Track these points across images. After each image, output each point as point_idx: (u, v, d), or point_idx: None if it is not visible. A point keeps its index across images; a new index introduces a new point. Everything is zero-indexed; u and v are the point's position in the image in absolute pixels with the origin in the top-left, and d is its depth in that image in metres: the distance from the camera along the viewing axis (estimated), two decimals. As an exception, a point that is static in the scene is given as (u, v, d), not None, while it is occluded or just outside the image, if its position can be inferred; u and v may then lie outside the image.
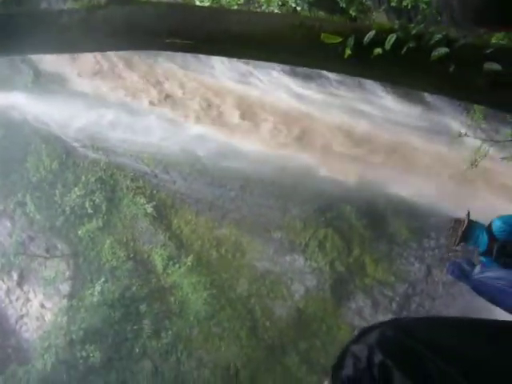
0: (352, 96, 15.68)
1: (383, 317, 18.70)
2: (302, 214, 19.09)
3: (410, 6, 9.90)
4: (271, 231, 19.58)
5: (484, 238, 5.33)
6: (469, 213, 5.47)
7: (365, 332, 1.83)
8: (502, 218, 5.33)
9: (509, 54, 4.52)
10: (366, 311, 19.04)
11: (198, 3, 12.44)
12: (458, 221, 5.47)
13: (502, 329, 1.86)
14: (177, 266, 20.40)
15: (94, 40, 5.39)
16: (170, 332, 20.38)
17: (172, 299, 20.65)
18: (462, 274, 5.33)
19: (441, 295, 18.43)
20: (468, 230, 5.40)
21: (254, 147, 17.61)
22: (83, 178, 21.34)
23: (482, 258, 5.46)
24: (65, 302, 21.53)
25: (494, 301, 5.18)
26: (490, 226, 5.35)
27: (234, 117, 18.08)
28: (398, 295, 18.83)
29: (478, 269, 5.17)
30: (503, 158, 12.54)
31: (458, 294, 17.79)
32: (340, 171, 16.87)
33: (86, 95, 19.87)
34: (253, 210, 19.55)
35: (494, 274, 5.09)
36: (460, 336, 1.74)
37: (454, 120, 13.87)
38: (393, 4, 10.41)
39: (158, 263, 20.69)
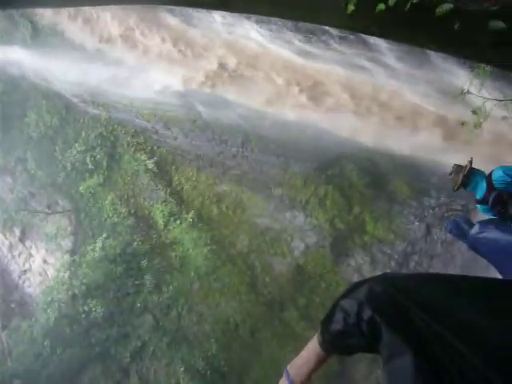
0: (355, 52, 15.50)
1: (381, 274, 18.81)
2: (303, 171, 19.06)
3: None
4: (272, 188, 19.58)
5: (483, 186, 5.39)
6: (471, 159, 5.52)
7: (355, 287, 1.85)
8: (503, 167, 5.37)
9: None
10: (364, 268, 19.17)
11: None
12: (459, 166, 5.53)
13: (495, 287, 1.86)
14: (178, 221, 20.50)
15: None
16: (170, 287, 20.60)
17: (173, 255, 20.82)
18: (461, 233, 5.39)
19: (439, 254, 18.54)
20: (469, 175, 5.46)
21: (253, 102, 17.52)
22: (83, 133, 21.29)
23: (478, 206, 5.53)
24: (67, 257, 21.69)
25: (491, 262, 5.25)
26: (490, 174, 5.40)
27: (233, 70, 17.96)
28: (397, 253, 18.94)
29: (476, 228, 5.23)
30: (504, 117, 12.49)
31: (456, 253, 17.91)
32: (342, 128, 16.79)
33: (86, 50, 19.67)
34: (254, 166, 19.52)
35: (491, 235, 5.14)
36: (450, 294, 1.74)
37: (457, 78, 13.74)
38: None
39: (159, 219, 20.77)
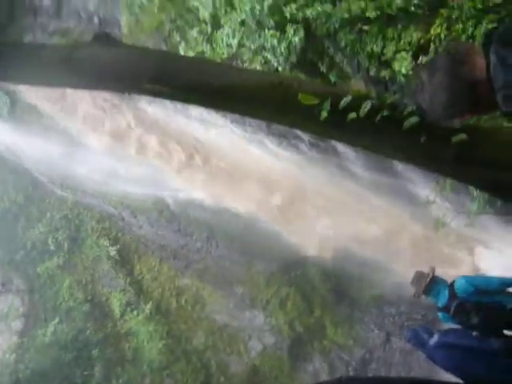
0: (323, 157, 15.89)
1: (339, 381, 18.48)
2: (266, 270, 19.04)
3: (387, 77, 10.15)
4: (234, 285, 19.46)
5: (445, 294, 5.43)
6: (434, 268, 5.57)
7: None
8: (466, 277, 5.44)
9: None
10: (322, 374, 18.85)
11: (182, 53, 12.67)
12: (422, 274, 5.58)
13: None
14: (134, 312, 20.03)
15: (74, 77, 5.37)
16: (120, 380, 19.84)
17: (127, 346, 20.18)
18: (419, 343, 5.38)
19: (398, 363, 18.39)
20: (431, 283, 5.50)
21: (221, 199, 17.70)
22: (48, 214, 21.05)
23: (440, 314, 5.54)
24: (15, 339, 20.86)
25: (449, 372, 5.20)
26: (452, 283, 5.44)
27: (200, 168, 18.24)
28: (355, 360, 18.74)
29: (435, 337, 5.22)
30: (467, 225, 12.81)
31: (415, 363, 17.78)
32: (306, 238, 16.99)
33: (60, 131, 19.79)
34: (217, 262, 19.46)
35: (449, 345, 5.12)
36: None
37: (423, 190, 14.10)
38: (371, 73, 10.68)
39: (116, 308, 20.27)
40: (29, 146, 19.95)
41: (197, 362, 19.64)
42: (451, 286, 5.45)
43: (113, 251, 20.51)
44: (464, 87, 2.17)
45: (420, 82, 2.30)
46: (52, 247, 20.90)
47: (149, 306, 19.91)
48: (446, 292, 5.42)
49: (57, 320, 20.40)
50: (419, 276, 5.67)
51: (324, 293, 18.71)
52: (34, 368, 19.83)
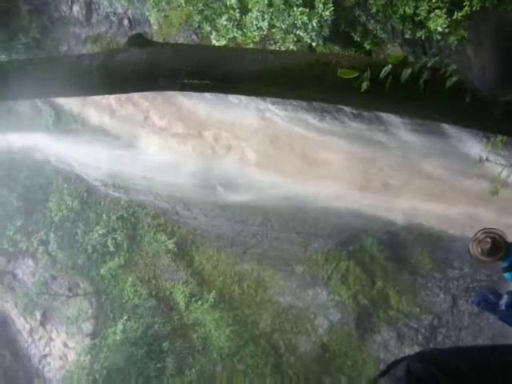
0: (368, 128, 15.73)
1: (409, 349, 18.46)
2: (323, 247, 19.01)
3: (423, 37, 9.95)
4: (293, 265, 19.49)
5: (509, 254, 5.29)
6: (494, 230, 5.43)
7: (392, 365, 1.83)
8: None
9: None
10: (391, 344, 18.79)
11: (214, 42, 12.68)
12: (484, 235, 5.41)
13: None
14: (199, 302, 20.33)
15: (113, 83, 5.46)
16: (193, 369, 20.20)
17: (195, 336, 20.55)
18: (489, 306, 5.28)
19: (467, 326, 18.17)
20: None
21: (273, 180, 17.68)
22: (104, 216, 21.53)
23: (506, 275, 5.42)
24: (87, 340, 21.49)
25: None
26: None
27: (250, 150, 18.25)
28: (424, 327, 18.59)
29: (504, 298, 5.12)
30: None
31: (485, 324, 17.55)
32: (361, 203, 16.82)
33: (107, 135, 20.14)
34: (274, 244, 19.51)
35: None
36: (488, 369, 1.73)
37: (472, 149, 13.82)
38: (407, 36, 10.49)
39: (180, 300, 20.62)
40: (78, 154, 20.43)
41: (265, 345, 19.80)
42: None
43: (171, 245, 20.82)
44: None
45: (466, 58, 2.22)
46: (112, 248, 21.36)
47: (212, 294, 20.16)
48: (511, 251, 5.31)
49: (125, 318, 20.89)
50: (481, 238, 5.53)
51: (383, 262, 18.59)
52: (109, 367, 20.36)
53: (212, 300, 20.06)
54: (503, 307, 5.12)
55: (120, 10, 18.56)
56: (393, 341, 18.78)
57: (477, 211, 15.67)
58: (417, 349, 18.29)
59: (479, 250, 5.33)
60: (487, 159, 11.86)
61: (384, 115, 14.68)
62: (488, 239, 5.31)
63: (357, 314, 18.93)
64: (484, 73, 2.15)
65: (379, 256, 18.62)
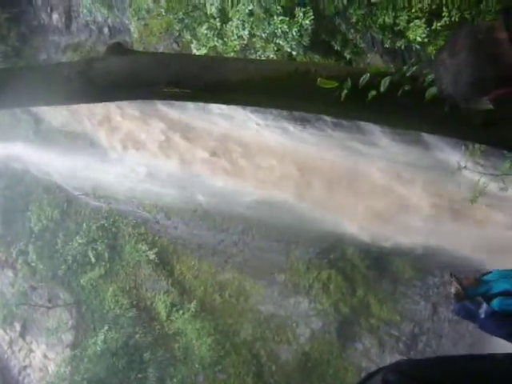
0: (349, 137, 15.85)
1: (390, 357, 18.54)
2: (304, 255, 19.07)
3: (403, 47, 10.08)
4: (274, 274, 19.52)
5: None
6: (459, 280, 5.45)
7: (368, 378, 1.84)
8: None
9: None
10: (372, 352, 18.86)
11: (195, 51, 12.72)
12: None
13: (505, 363, 1.86)
14: (180, 312, 20.23)
15: (93, 91, 5.46)
16: (174, 380, 20.14)
17: (176, 346, 20.45)
18: (468, 314, 5.31)
19: (448, 333, 18.30)
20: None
21: (252, 190, 17.74)
22: (85, 226, 21.34)
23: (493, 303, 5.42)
24: (68, 351, 21.31)
25: (503, 338, 5.14)
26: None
27: (230, 158, 18.28)
28: (405, 335, 18.69)
29: (483, 307, 5.15)
30: (502, 189, 12.61)
31: (465, 331, 17.68)
32: (340, 213, 16.92)
33: (89, 144, 20.07)
34: (255, 253, 19.52)
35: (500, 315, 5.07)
36: (465, 379, 1.74)
37: (452, 157, 13.96)
38: (386, 46, 10.60)
39: (162, 310, 20.52)
40: (58, 163, 20.30)
41: (247, 354, 19.78)
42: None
43: (152, 255, 20.74)
44: (488, 60, 2.13)
45: (442, 66, 2.25)
46: (92, 258, 21.20)
47: (193, 304, 20.09)
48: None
49: (106, 328, 20.72)
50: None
51: (364, 271, 18.70)
52: (89, 378, 20.25)
53: (193, 309, 19.98)
54: (483, 315, 5.14)
55: (100, 19, 18.54)
56: (374, 349, 18.85)
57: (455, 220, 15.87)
58: (398, 357, 18.42)
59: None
60: (465, 167, 12.02)
61: (364, 124, 14.78)
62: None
63: (338, 322, 18.98)
64: (457, 77, 2.18)
65: (360, 264, 18.73)
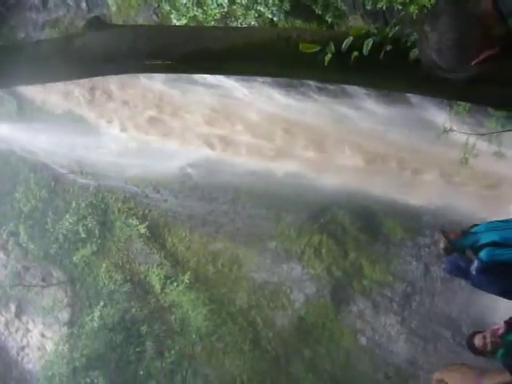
0: (334, 101, 15.79)
1: (385, 318, 18.76)
2: (295, 221, 19.12)
3: (384, 8, 10.00)
4: (266, 241, 19.59)
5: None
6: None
7: None
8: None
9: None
10: (366, 313, 19.06)
11: (175, 22, 12.56)
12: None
13: None
14: (174, 284, 20.32)
15: (74, 68, 5.37)
16: (172, 351, 20.29)
17: (172, 318, 20.58)
18: (460, 272, 5.37)
19: (440, 291, 18.45)
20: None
21: (239, 159, 17.70)
22: (74, 204, 21.23)
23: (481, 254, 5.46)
24: (65, 329, 21.41)
25: (497, 293, 5.20)
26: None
27: (218, 128, 18.20)
28: (398, 295, 18.86)
29: (475, 264, 5.20)
30: (495, 153, 12.60)
31: (457, 289, 17.82)
32: (328, 176, 16.92)
33: (73, 121, 19.87)
34: (246, 221, 19.55)
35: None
36: None
37: (438, 117, 13.95)
38: (368, 7, 10.52)
39: (156, 283, 20.60)
40: (43, 142, 20.10)
41: (243, 322, 19.94)
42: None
43: (143, 229, 20.72)
44: (470, 22, 2.08)
45: (424, 34, 2.18)
46: (83, 235, 21.17)
47: (187, 275, 20.18)
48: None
49: (101, 304, 20.85)
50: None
51: (356, 234, 18.77)
52: (88, 354, 20.39)
53: (187, 281, 20.07)
54: (474, 272, 5.20)
55: (77, -7, 18.21)
56: (368, 310, 19.03)
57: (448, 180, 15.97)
58: (392, 317, 18.67)
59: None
60: (451, 129, 12.00)
61: (349, 88, 14.72)
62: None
63: (331, 286, 19.13)
64: (440, 43, 2.13)
65: (351, 227, 18.79)
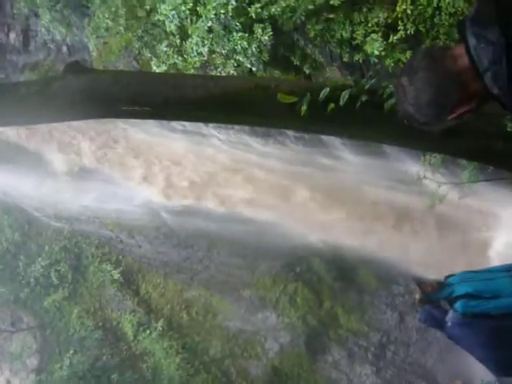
0: (310, 151, 15.95)
1: (360, 368, 18.61)
2: (270, 270, 19.06)
3: (361, 60, 10.20)
4: (241, 289, 19.46)
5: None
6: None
7: None
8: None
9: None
10: (342, 363, 18.91)
11: (155, 69, 12.67)
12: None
13: None
14: (147, 331, 19.97)
15: (51, 111, 5.37)
16: (144, 401, 19.88)
17: (144, 366, 20.16)
18: (435, 322, 5.33)
19: (415, 341, 18.43)
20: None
21: (215, 206, 17.72)
22: (47, 247, 20.94)
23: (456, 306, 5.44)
24: (33, 376, 20.85)
25: (473, 348, 5.15)
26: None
27: (193, 176, 18.24)
28: (373, 345, 18.77)
29: (450, 314, 5.17)
30: (460, 197, 12.88)
31: (432, 339, 17.81)
32: (303, 226, 16.99)
33: (47, 164, 19.76)
34: (221, 269, 19.44)
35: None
36: None
37: (412, 167, 14.15)
38: (345, 59, 10.73)
39: (128, 330, 20.23)
40: (17, 184, 19.91)
41: (217, 372, 19.63)
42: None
43: (116, 274, 20.45)
44: (448, 78, 2.12)
45: (401, 89, 2.22)
46: (55, 280, 20.79)
47: (160, 323, 19.86)
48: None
49: (71, 351, 20.35)
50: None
51: (331, 282, 18.75)
52: (56, 403, 19.84)
53: (160, 328, 19.75)
54: (449, 323, 5.16)
55: (58, 37, 18.29)
56: (344, 360, 18.89)
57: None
58: (368, 367, 18.53)
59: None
60: (425, 177, 12.21)
61: (325, 137, 14.90)
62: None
63: (306, 335, 18.98)
64: (418, 98, 2.17)
65: (327, 276, 18.78)
